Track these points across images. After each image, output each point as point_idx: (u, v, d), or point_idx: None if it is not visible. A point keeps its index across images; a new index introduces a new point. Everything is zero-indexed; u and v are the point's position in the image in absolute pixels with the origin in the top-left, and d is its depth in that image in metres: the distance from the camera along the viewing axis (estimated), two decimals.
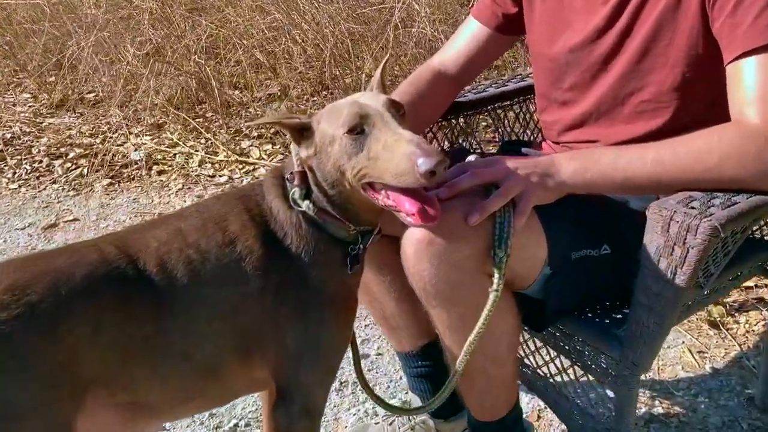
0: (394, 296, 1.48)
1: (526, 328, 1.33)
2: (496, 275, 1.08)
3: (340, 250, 1.16)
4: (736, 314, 2.01)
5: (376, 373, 1.91)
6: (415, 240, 1.10)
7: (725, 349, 1.90)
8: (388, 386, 1.85)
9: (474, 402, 1.30)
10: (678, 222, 1.05)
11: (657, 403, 1.72)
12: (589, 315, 1.29)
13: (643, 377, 1.42)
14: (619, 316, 1.29)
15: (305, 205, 1.12)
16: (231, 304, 1.11)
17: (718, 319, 1.99)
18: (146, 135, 3.59)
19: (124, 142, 3.49)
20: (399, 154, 0.98)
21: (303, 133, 1.12)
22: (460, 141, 1.76)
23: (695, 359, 1.87)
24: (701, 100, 1.23)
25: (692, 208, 1.05)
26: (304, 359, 1.17)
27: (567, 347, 1.32)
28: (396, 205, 1.02)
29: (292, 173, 1.15)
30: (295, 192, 1.13)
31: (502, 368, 1.25)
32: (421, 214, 1.00)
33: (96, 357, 1.03)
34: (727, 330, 1.97)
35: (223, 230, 1.13)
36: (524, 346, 1.45)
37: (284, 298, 1.13)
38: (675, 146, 1.11)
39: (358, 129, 1.03)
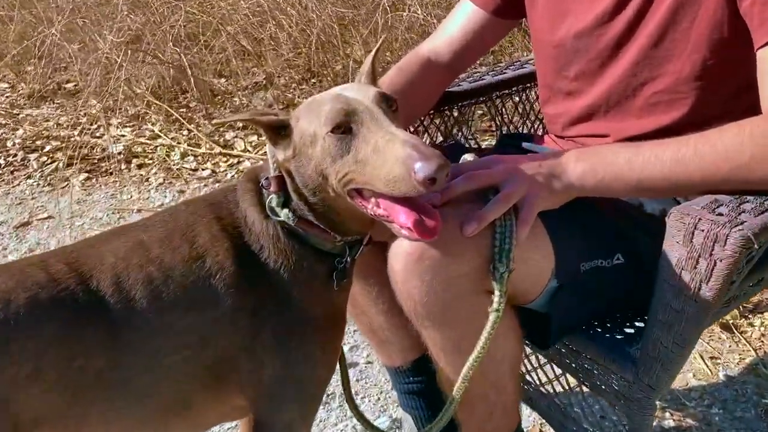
0: (382, 308, 1.34)
1: (528, 344, 1.20)
2: (497, 293, 0.96)
3: (324, 265, 1.03)
4: (750, 316, 1.89)
5: (366, 383, 1.78)
6: (403, 254, 0.96)
7: (739, 354, 1.78)
8: (379, 398, 1.73)
9: (473, 430, 1.18)
10: (703, 231, 0.91)
11: (668, 415, 1.60)
12: (599, 330, 1.17)
13: None
14: (632, 330, 1.16)
15: (284, 214, 0.99)
16: (199, 330, 0.98)
17: (731, 321, 1.87)
18: (126, 126, 3.44)
19: (103, 134, 3.33)
20: (392, 158, 0.84)
21: (280, 131, 0.98)
22: (455, 132, 1.62)
23: (707, 366, 1.75)
24: (725, 89, 1.10)
25: (720, 214, 0.92)
26: (284, 391, 1.04)
27: (574, 365, 1.20)
28: (388, 215, 0.89)
29: (267, 178, 1.01)
30: (272, 199, 1.00)
31: (504, 392, 1.12)
32: (418, 227, 0.86)
33: (39, 396, 0.90)
34: (741, 333, 1.84)
35: (191, 243, 1.00)
36: (526, 362, 1.33)
37: (261, 323, 1.00)
38: (698, 143, 0.98)
39: (344, 127, 0.89)
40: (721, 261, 0.91)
